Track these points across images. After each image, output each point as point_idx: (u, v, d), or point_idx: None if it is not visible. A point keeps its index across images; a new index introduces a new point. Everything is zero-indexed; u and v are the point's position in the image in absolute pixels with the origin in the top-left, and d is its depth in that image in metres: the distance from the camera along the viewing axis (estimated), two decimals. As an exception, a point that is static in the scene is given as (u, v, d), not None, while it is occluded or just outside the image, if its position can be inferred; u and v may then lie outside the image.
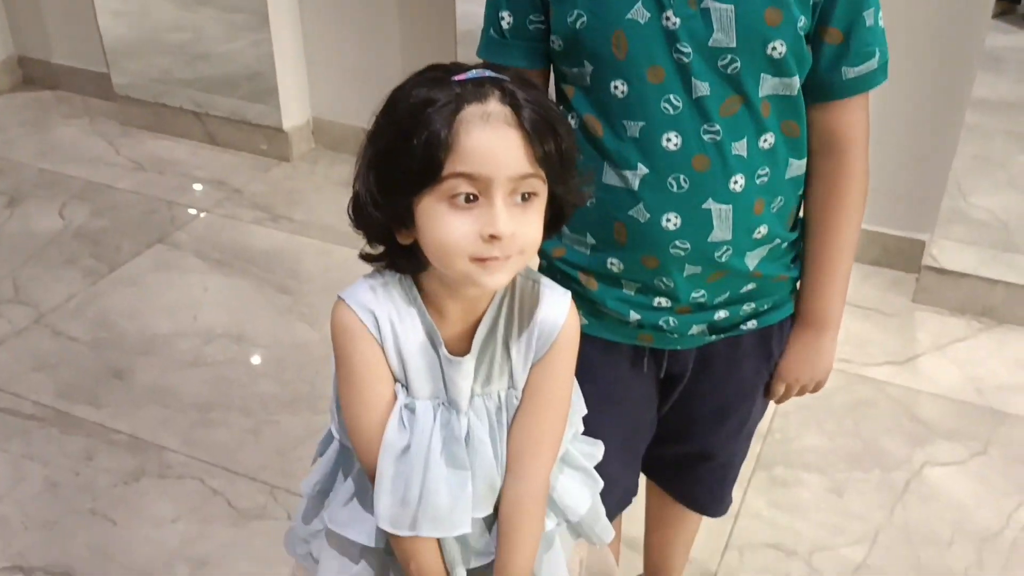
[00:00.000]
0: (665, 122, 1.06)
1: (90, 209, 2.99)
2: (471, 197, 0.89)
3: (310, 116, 3.34)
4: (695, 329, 1.20)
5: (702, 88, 1.05)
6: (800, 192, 1.19)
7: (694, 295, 1.16)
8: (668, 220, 1.10)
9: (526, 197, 0.91)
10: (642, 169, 1.08)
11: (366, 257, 0.99)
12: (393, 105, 0.92)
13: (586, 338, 1.21)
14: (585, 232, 1.16)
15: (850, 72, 1.10)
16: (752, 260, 1.16)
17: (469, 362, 1.01)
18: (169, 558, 1.81)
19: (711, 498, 1.49)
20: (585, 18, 1.06)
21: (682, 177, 1.08)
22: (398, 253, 0.98)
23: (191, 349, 2.39)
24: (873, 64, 1.10)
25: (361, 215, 0.96)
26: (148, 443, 2.09)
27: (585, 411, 1.15)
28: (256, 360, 2.37)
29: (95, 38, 3.40)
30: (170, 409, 2.19)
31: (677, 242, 1.11)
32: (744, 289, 1.19)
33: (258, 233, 2.89)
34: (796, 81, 1.07)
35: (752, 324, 1.24)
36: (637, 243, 1.13)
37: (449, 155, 0.88)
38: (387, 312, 0.99)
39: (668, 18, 1.03)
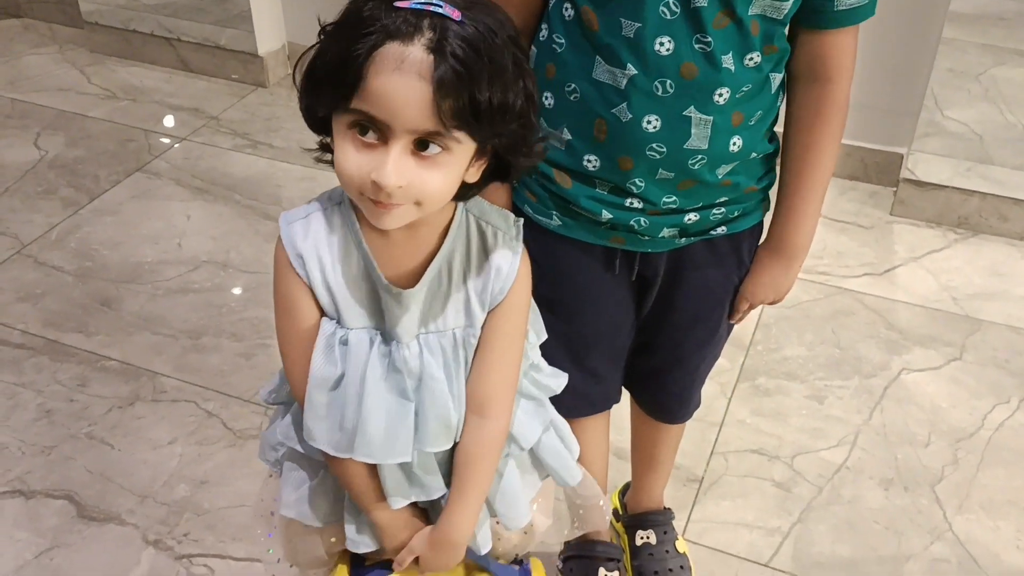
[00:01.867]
0: (660, 26, 1.08)
1: (65, 139, 2.95)
2: (375, 135, 0.88)
3: (285, 41, 3.29)
4: (666, 232, 1.23)
5: None
6: (778, 107, 1.21)
7: (665, 200, 1.19)
8: (649, 122, 1.12)
9: (428, 148, 0.89)
10: (631, 69, 1.10)
11: (317, 148, 1.01)
12: (341, 15, 0.91)
13: (561, 240, 1.26)
14: (563, 127, 1.18)
15: (842, 3, 1.12)
16: (724, 171, 1.18)
17: (414, 296, 1.00)
18: (169, 478, 1.85)
19: (678, 405, 1.53)
20: None
21: (669, 82, 1.10)
22: None
23: (177, 276, 2.39)
24: None
25: (304, 106, 0.96)
26: (140, 369, 2.11)
27: (544, 337, 1.18)
28: (243, 286, 2.38)
29: (59, -37, 3.32)
30: (160, 336, 2.20)
31: (654, 145, 1.13)
32: (715, 198, 1.22)
33: (238, 160, 2.87)
34: (787, 5, 1.09)
35: (722, 230, 1.26)
36: (615, 142, 1.14)
37: (357, 90, 0.87)
38: (316, 247, 1.00)
39: None
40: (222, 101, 3.18)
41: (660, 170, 1.16)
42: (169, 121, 3.07)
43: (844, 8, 1.12)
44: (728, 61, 1.09)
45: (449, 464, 1.09)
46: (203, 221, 2.60)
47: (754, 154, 1.20)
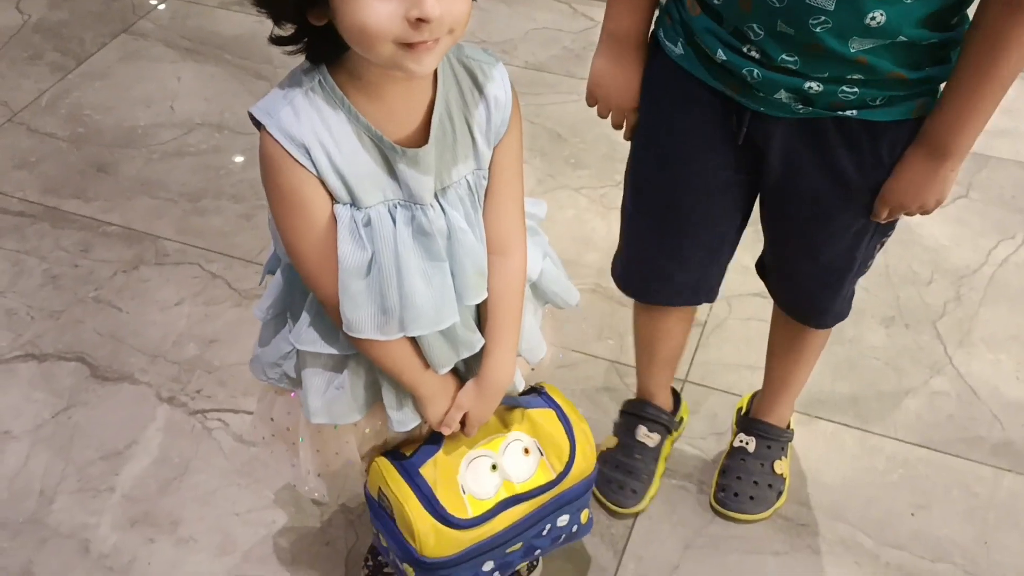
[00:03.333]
0: None
1: (47, 1, 2.86)
2: None
3: None
4: (784, 95, 1.08)
5: None
6: None
7: (784, 58, 1.05)
8: None
9: None
10: None
11: (277, 41, 0.90)
12: None
13: (680, 72, 1.16)
14: None
15: None
16: (859, 45, 1.01)
17: (428, 153, 0.96)
18: (179, 338, 1.87)
19: (809, 305, 1.39)
20: None
21: None
22: (313, 35, 0.89)
23: (173, 139, 2.36)
24: None
25: None
26: (142, 233, 2.10)
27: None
28: (240, 147, 2.35)
29: None
30: (159, 199, 2.19)
31: None
32: (846, 73, 1.05)
33: (226, 18, 2.78)
34: None
35: (853, 112, 1.09)
36: None
37: None
38: (315, 131, 0.91)
39: None
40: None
41: (779, 22, 1.02)
42: (153, -21, 2.96)
43: None
44: None
45: (479, 313, 1.09)
46: (194, 82, 2.55)
47: (904, 38, 1.01)
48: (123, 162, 2.30)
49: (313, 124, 0.91)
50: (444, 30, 0.85)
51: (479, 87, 1.00)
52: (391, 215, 0.97)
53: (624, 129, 1.30)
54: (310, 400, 1.09)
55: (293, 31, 0.89)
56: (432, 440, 1.16)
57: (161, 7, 2.84)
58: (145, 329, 1.89)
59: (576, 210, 2.18)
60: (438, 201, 1.00)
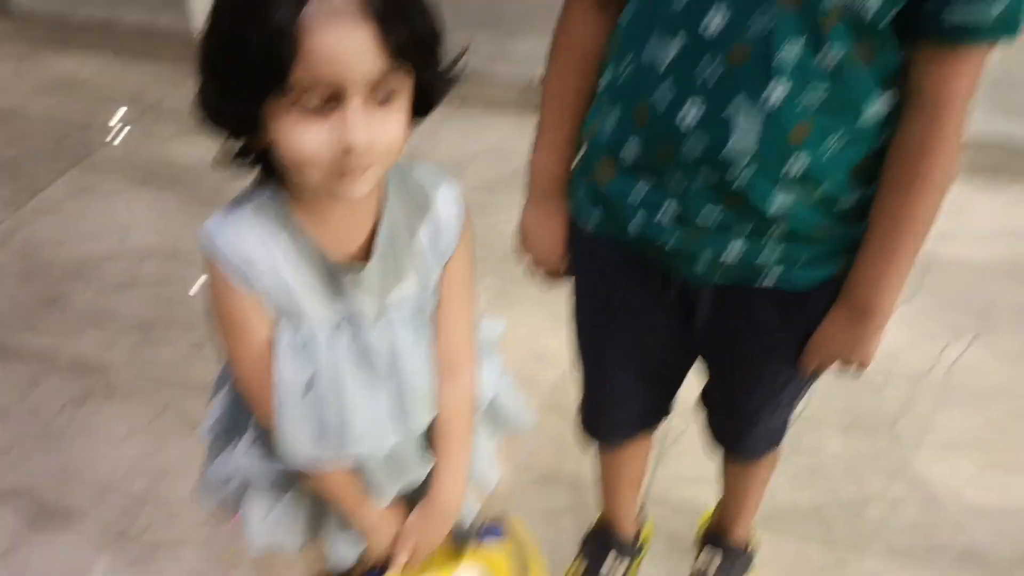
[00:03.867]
0: None
1: (1, 138, 2.88)
2: (324, 101, 0.81)
3: (222, 22, 3.22)
4: (705, 258, 1.06)
5: None
6: (876, 143, 0.99)
7: (705, 213, 1.02)
8: (689, 110, 0.96)
9: (386, 98, 0.83)
10: (680, 41, 0.96)
11: (222, 161, 0.90)
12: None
13: (601, 241, 1.14)
14: (615, 105, 1.05)
15: (950, 16, 0.89)
16: (781, 198, 0.99)
17: (371, 271, 0.96)
18: (129, 472, 1.82)
19: (740, 440, 1.37)
20: None
21: (716, 62, 0.94)
22: (256, 157, 0.89)
23: (124, 270, 2.35)
24: (986, 16, 0.89)
25: (208, 112, 0.86)
26: (92, 365, 2.07)
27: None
28: (193, 276, 2.34)
29: (-17, -45, 3.22)
30: (110, 331, 2.16)
31: (692, 139, 0.98)
32: (770, 230, 1.02)
33: (180, 147, 2.82)
34: (872, 4, 0.90)
35: (776, 275, 1.06)
36: (655, 128, 1.00)
37: (295, 59, 0.77)
38: (258, 251, 0.91)
39: None
40: (162, 87, 3.11)
41: (699, 172, 0.99)
42: (108, 112, 3.00)
43: (954, 23, 0.90)
44: (791, 50, 0.91)
45: (426, 438, 1.07)
46: (147, 212, 2.55)
47: (827, 190, 0.99)
48: (73, 295, 2.28)
49: (256, 244, 0.92)
50: (375, 156, 0.85)
51: (428, 206, 1.00)
52: (334, 332, 0.97)
53: (554, 277, 1.28)
54: (252, 524, 1.07)
55: (237, 153, 0.90)
56: (378, 569, 1.12)
57: (116, 139, 2.87)
58: (96, 463, 1.84)
59: (531, 327, 2.18)
60: (382, 319, 0.99)
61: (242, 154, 0.90)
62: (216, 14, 0.82)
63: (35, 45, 3.34)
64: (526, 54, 2.87)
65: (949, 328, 2.15)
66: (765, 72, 0.92)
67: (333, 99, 0.81)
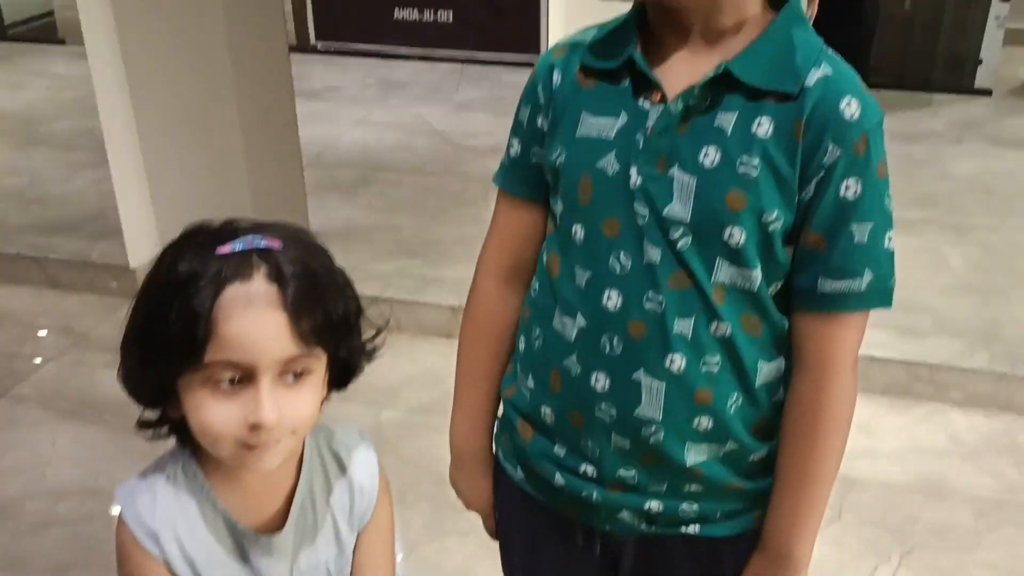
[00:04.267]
0: (610, 279, 1.00)
1: (-77, 371, 2.84)
2: (236, 380, 0.86)
3: (158, 251, 3.28)
4: (625, 514, 1.08)
5: (653, 254, 0.98)
6: (773, 400, 1.05)
7: (622, 472, 1.05)
8: (597, 380, 1.02)
9: (297, 375, 0.88)
10: (581, 320, 1.02)
11: (142, 425, 0.94)
12: (156, 275, 0.89)
13: (524, 494, 1.15)
14: (529, 373, 1.11)
15: (828, 285, 0.97)
16: (693, 455, 1.03)
17: (285, 538, 0.97)
18: None
19: None
20: (563, 157, 1.03)
21: (616, 338, 1.00)
22: (173, 425, 0.93)
23: (42, 510, 2.27)
24: (859, 285, 0.97)
25: (128, 382, 0.91)
26: (0, 617, 1.96)
27: (402, 556, 1.12)
28: (115, 513, 2.27)
29: (-80, 191, 3.28)
30: (23, 576, 2.07)
31: (603, 405, 1.03)
32: (686, 486, 1.06)
33: (108, 378, 2.76)
34: (757, 275, 0.97)
35: (694, 529, 1.09)
36: (568, 395, 1.06)
37: (209, 341, 0.84)
38: (170, 518, 0.94)
39: (633, 176, 0.98)
40: (93, 317, 3.12)
41: (614, 435, 1.04)
42: (36, 343, 2.99)
43: (832, 292, 0.97)
44: (685, 326, 0.98)
45: None
46: (71, 446, 2.50)
47: (734, 447, 1.04)
48: (-14, 538, 2.18)
49: (169, 511, 0.93)
50: (285, 432, 0.89)
51: (344, 473, 1.02)
52: None
53: (487, 520, 1.28)
54: None
55: (156, 419, 0.93)
56: None
57: (43, 370, 2.84)
58: None
59: (464, 556, 2.14)
60: None
61: (159, 423, 0.94)
62: (143, 293, 0.89)
63: (-34, 276, 3.35)
64: (456, 280, 2.98)
65: (875, 548, 2.17)
66: (663, 346, 0.99)
67: (245, 378, 0.86)
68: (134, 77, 2.98)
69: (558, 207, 1.06)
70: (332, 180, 3.99)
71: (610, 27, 1.03)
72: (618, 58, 0.99)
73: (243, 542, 0.96)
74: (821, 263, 0.97)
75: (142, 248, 3.22)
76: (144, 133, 3.08)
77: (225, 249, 0.87)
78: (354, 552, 1.03)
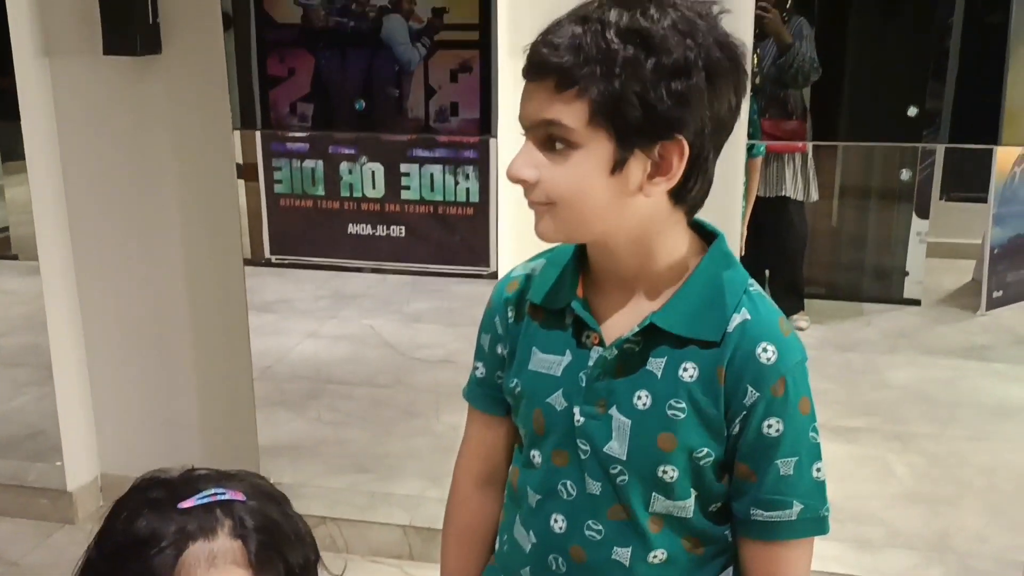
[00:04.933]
0: (558, 504, 1.07)
1: None
2: None
3: (98, 473, 3.18)
4: None
5: (593, 487, 1.05)
6: None
7: None
8: None
9: None
10: (532, 536, 1.10)
11: None
12: (110, 532, 0.87)
13: None
14: (501, 574, 1.18)
15: (761, 515, 1.03)
16: None
17: None
18: None
19: None
20: (520, 389, 1.10)
21: (561, 559, 1.08)
22: None
23: None
24: (789, 515, 1.02)
25: None
26: None
27: None
28: None
29: None
30: None
31: None
32: None
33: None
34: (690, 504, 1.04)
35: None
36: None
37: None
38: None
39: (576, 414, 1.05)
40: (24, 543, 2.98)
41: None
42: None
43: (764, 520, 1.02)
44: (623, 555, 1.05)
45: None
46: None
47: None
48: None
49: None
50: None
51: None
52: None
53: None
54: None
55: None
56: None
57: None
58: None
59: None
60: None
61: None
62: (97, 551, 0.86)
63: None
64: (407, 498, 2.91)
65: None
66: (603, 571, 1.05)
67: None
68: (85, 292, 2.99)
69: (520, 430, 1.13)
70: (281, 393, 3.96)
71: (558, 265, 1.09)
72: (562, 302, 1.06)
73: None
74: (752, 494, 1.02)
75: (81, 469, 3.12)
76: (92, 347, 3.06)
77: (188, 504, 0.86)
78: None
